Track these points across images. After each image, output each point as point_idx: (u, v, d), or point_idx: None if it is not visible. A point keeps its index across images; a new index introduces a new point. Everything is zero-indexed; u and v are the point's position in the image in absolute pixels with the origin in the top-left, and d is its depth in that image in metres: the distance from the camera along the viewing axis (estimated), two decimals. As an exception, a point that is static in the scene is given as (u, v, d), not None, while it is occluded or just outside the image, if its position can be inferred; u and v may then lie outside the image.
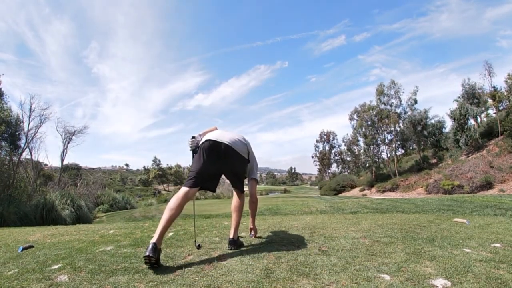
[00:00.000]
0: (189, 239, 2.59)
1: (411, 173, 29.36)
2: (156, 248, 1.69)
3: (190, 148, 2.21)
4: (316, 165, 55.21)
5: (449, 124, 29.32)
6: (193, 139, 2.21)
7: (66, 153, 18.55)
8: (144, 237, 2.78)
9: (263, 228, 3.10)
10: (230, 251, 2.08)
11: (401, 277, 1.48)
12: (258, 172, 2.65)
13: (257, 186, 2.59)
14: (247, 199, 2.49)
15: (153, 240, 1.72)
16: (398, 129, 32.50)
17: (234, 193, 2.39)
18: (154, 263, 1.67)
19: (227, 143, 2.15)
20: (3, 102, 11.80)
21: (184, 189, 2.00)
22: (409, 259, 1.76)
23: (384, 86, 32.65)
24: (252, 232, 2.63)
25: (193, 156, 2.20)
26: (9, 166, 11.45)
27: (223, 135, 2.22)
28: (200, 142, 2.18)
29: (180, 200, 1.94)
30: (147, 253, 1.64)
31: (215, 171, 2.18)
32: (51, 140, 45.89)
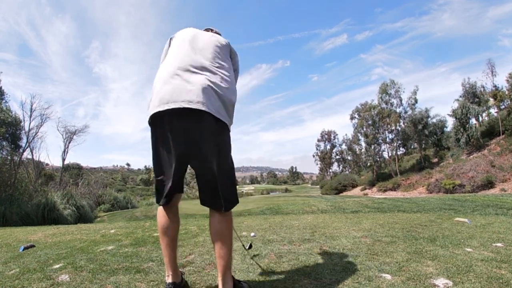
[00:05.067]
0: (190, 238, 2.59)
1: (412, 172, 29.32)
2: (173, 284, 1.32)
3: None
4: (317, 164, 55.29)
5: (450, 124, 29.33)
6: None
7: (67, 152, 18.67)
8: (145, 237, 2.78)
9: (264, 227, 3.10)
10: None
11: (402, 276, 1.47)
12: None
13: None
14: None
15: (167, 280, 1.33)
16: (399, 128, 32.47)
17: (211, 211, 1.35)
18: None
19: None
20: (3, 101, 11.83)
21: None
22: (410, 259, 1.75)
23: (387, 85, 32.61)
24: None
25: None
26: (10, 166, 11.48)
27: None
28: None
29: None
30: None
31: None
32: (52, 140, 46.14)
